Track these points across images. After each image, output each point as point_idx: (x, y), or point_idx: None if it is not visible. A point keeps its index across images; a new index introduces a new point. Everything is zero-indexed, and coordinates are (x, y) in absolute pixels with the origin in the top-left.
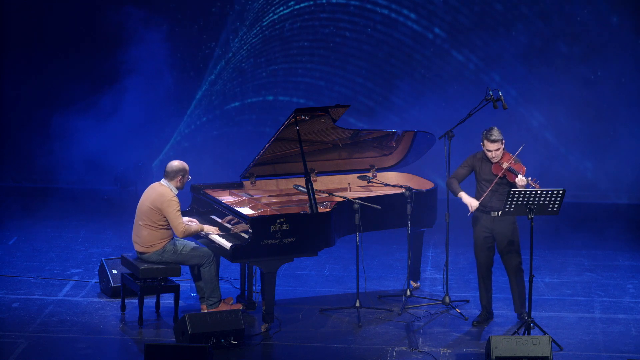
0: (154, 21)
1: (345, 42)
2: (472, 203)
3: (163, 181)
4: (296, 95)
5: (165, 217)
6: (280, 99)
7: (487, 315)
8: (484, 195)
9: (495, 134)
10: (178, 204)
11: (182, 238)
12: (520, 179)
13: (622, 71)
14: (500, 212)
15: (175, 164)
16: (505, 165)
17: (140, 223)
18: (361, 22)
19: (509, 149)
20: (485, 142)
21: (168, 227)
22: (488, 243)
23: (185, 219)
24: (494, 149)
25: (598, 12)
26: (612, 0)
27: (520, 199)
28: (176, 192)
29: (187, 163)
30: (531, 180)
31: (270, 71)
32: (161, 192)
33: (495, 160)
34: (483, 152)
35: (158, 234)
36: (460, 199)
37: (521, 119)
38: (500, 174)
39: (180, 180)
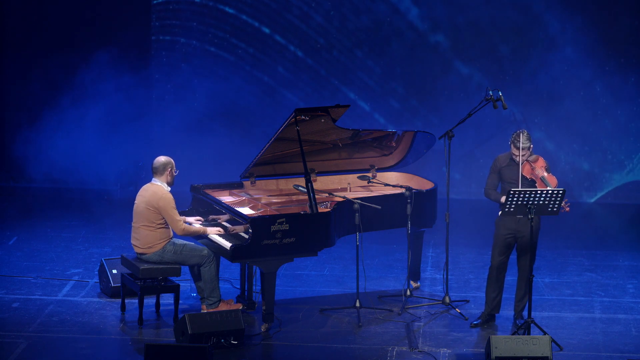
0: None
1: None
2: None
3: (154, 180)
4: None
5: (162, 216)
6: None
7: (488, 316)
8: None
9: (523, 140)
10: (173, 201)
11: (181, 236)
12: None
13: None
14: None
15: (161, 158)
16: (538, 172)
17: (138, 225)
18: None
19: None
20: (512, 147)
21: (166, 226)
22: (508, 247)
23: (191, 219)
24: (518, 155)
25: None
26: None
27: (520, 198)
28: (168, 188)
29: (186, 163)
30: (564, 203)
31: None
32: (154, 191)
33: (522, 160)
34: (506, 154)
35: (157, 234)
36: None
37: (520, 119)
38: (530, 177)
39: (169, 173)
